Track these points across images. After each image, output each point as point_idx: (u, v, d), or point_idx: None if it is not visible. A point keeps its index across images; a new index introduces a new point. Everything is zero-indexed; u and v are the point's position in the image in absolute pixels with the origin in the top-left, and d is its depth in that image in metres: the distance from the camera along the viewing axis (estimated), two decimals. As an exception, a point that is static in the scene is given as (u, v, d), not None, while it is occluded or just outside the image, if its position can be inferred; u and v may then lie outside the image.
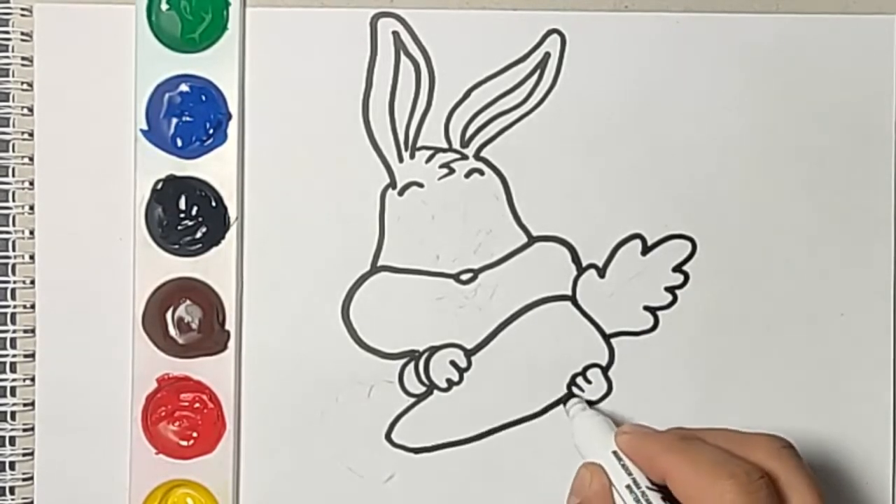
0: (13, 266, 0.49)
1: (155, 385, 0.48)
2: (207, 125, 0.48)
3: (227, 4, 0.48)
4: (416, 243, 0.49)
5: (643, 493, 0.42)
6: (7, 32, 0.49)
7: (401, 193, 0.49)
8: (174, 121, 0.48)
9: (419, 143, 0.49)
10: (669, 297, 0.49)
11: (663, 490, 0.42)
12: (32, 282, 0.49)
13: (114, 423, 0.49)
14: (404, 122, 0.49)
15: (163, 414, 0.49)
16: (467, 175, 0.49)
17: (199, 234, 0.48)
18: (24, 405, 0.49)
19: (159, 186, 0.48)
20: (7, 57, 0.49)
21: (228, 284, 0.49)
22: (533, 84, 0.49)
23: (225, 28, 0.48)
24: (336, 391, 0.49)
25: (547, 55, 0.49)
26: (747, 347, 0.49)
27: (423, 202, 0.49)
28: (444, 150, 0.49)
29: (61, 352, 0.49)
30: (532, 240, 0.49)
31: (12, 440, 0.49)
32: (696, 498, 0.40)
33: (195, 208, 0.48)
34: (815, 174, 0.49)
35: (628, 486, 0.43)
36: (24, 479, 0.49)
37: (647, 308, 0.49)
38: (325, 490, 0.49)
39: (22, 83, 0.49)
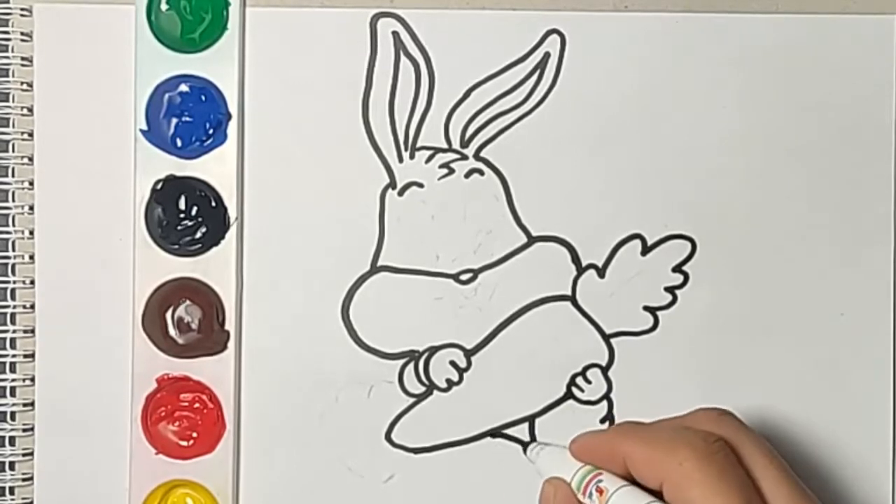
0: (13, 266, 0.49)
1: (155, 385, 0.49)
2: (207, 125, 0.48)
3: (227, 4, 0.48)
4: (416, 243, 0.49)
5: (611, 490, 0.41)
6: (7, 32, 0.49)
7: (401, 193, 0.49)
8: (174, 121, 0.48)
9: (419, 143, 0.49)
10: (669, 297, 0.49)
11: (630, 482, 0.42)
12: (32, 282, 0.49)
13: (114, 423, 0.49)
14: (404, 122, 0.49)
15: (163, 414, 0.49)
16: (467, 175, 0.49)
17: (198, 234, 0.48)
18: (24, 405, 0.49)
19: (159, 186, 0.48)
20: (7, 57, 0.49)
21: (228, 284, 0.49)
22: (533, 84, 0.49)
23: (225, 28, 0.48)
24: (336, 391, 0.49)
25: (547, 55, 0.49)
26: (747, 347, 0.49)
27: (423, 202, 0.49)
28: (443, 150, 0.49)
29: (61, 352, 0.49)
30: (532, 240, 0.49)
31: (12, 440, 0.49)
32: (657, 473, 0.40)
33: (195, 208, 0.48)
34: (815, 174, 0.49)
35: (597, 489, 0.42)
36: (23, 479, 0.49)
37: (647, 308, 0.49)
38: (325, 490, 0.49)
39: (22, 83, 0.49)
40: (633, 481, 0.41)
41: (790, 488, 0.40)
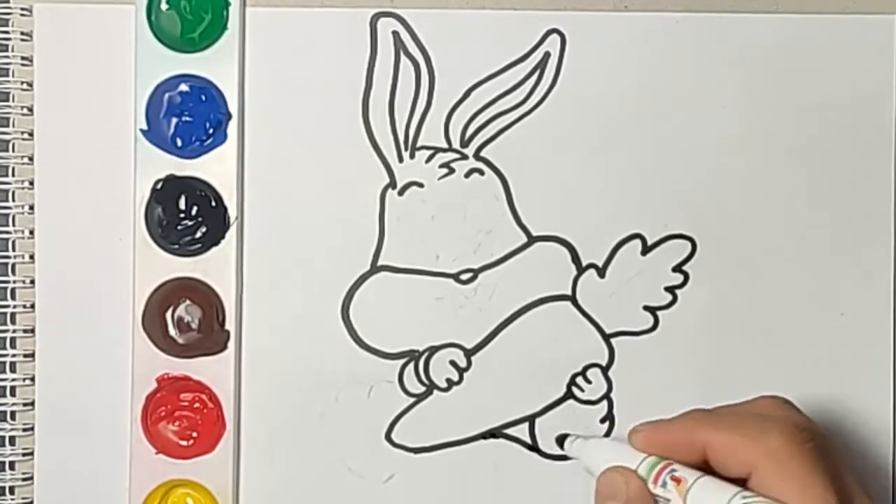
0: (13, 266, 0.49)
1: (155, 385, 0.48)
2: (207, 125, 0.48)
3: (227, 4, 0.48)
4: (416, 243, 0.49)
5: (691, 479, 0.40)
6: (7, 32, 0.49)
7: (401, 193, 0.49)
8: (174, 120, 0.48)
9: (419, 143, 0.49)
10: (669, 297, 0.49)
11: (702, 470, 0.40)
12: (32, 281, 0.49)
13: (114, 423, 0.49)
14: (404, 122, 0.49)
15: (163, 414, 0.49)
16: (467, 175, 0.49)
17: (198, 234, 0.48)
18: (24, 405, 0.49)
19: (159, 186, 0.48)
20: (7, 57, 0.49)
21: (228, 284, 0.49)
22: (533, 84, 0.49)
23: (225, 28, 0.48)
24: (336, 391, 0.49)
25: (547, 55, 0.49)
26: (747, 347, 0.49)
27: (423, 202, 0.49)
28: (443, 150, 0.49)
29: (61, 351, 0.49)
30: (532, 240, 0.49)
31: (12, 440, 0.49)
32: (746, 460, 0.39)
33: (195, 208, 0.48)
34: (815, 174, 0.49)
35: (673, 478, 0.40)
36: (23, 479, 0.49)
37: (647, 308, 0.49)
38: (325, 490, 0.49)
39: (22, 83, 0.49)
40: (706, 471, 0.40)
41: (862, 486, 0.39)
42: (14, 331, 0.49)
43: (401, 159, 0.49)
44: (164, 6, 0.48)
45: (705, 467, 0.40)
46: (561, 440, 0.48)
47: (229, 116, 0.48)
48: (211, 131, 0.48)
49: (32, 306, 0.49)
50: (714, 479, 0.39)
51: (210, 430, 0.49)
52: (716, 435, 0.40)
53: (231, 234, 0.49)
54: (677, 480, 0.40)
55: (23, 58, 0.49)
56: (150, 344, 0.48)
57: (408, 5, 0.49)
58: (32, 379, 0.49)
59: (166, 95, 0.48)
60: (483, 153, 0.49)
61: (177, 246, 0.49)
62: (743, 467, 0.39)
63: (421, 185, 0.49)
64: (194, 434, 0.49)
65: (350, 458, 0.49)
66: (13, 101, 0.49)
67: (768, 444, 0.38)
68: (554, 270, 0.49)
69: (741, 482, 0.39)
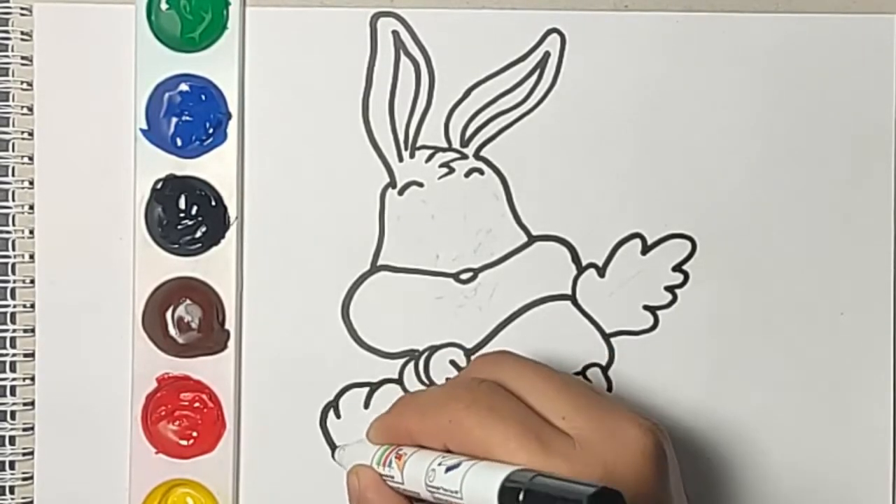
0: (13, 265, 0.49)
1: (155, 385, 0.48)
2: (207, 125, 0.48)
3: (227, 4, 0.48)
4: (416, 243, 0.49)
5: (409, 453, 0.41)
6: (7, 32, 0.49)
7: (401, 193, 0.49)
8: (174, 120, 0.48)
9: (419, 143, 0.49)
10: (669, 297, 0.49)
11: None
12: (32, 281, 0.49)
13: (114, 422, 0.49)
14: (404, 122, 0.49)
15: (163, 413, 0.49)
16: (467, 174, 0.49)
17: (198, 234, 0.48)
18: (24, 404, 0.49)
19: (159, 186, 0.48)
20: (7, 56, 0.49)
21: (228, 284, 0.49)
22: (533, 83, 0.49)
23: (225, 27, 0.48)
24: (336, 391, 0.49)
25: (547, 55, 0.49)
26: (747, 347, 0.49)
27: (423, 201, 0.49)
28: (443, 150, 0.49)
29: (61, 351, 0.49)
30: (532, 239, 0.49)
31: (12, 439, 0.49)
32: (438, 438, 0.39)
33: (195, 208, 0.48)
34: (815, 174, 0.49)
35: (396, 455, 0.41)
36: (23, 479, 0.49)
37: (646, 307, 0.49)
38: (325, 490, 0.49)
39: (22, 83, 0.49)
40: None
41: (568, 400, 0.39)
42: (14, 330, 0.49)
43: (401, 159, 0.49)
44: (164, 6, 0.48)
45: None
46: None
47: (229, 116, 0.48)
48: (211, 131, 0.48)
49: (32, 306, 0.49)
50: (427, 452, 0.40)
51: (210, 429, 0.49)
52: (411, 422, 0.41)
53: (231, 233, 0.49)
54: (399, 457, 0.41)
55: (23, 57, 0.49)
56: (150, 344, 0.48)
57: (408, 5, 0.49)
58: (32, 379, 0.49)
59: (166, 95, 0.48)
60: (483, 153, 0.49)
61: (177, 246, 0.49)
62: (440, 445, 0.39)
63: (421, 185, 0.49)
64: (194, 434, 0.49)
65: (350, 458, 0.49)
66: (13, 100, 0.49)
67: (446, 415, 0.39)
68: (554, 270, 0.49)
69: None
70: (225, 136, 0.49)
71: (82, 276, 0.49)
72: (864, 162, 0.49)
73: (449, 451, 0.39)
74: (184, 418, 0.49)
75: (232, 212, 0.49)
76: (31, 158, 0.49)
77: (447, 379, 0.46)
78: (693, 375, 0.49)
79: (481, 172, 0.49)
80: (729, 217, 0.49)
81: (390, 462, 0.41)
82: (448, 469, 0.38)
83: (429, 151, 0.49)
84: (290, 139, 0.49)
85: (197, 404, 0.49)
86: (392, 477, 0.41)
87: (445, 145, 0.49)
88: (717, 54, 0.49)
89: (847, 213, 0.49)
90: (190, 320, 0.49)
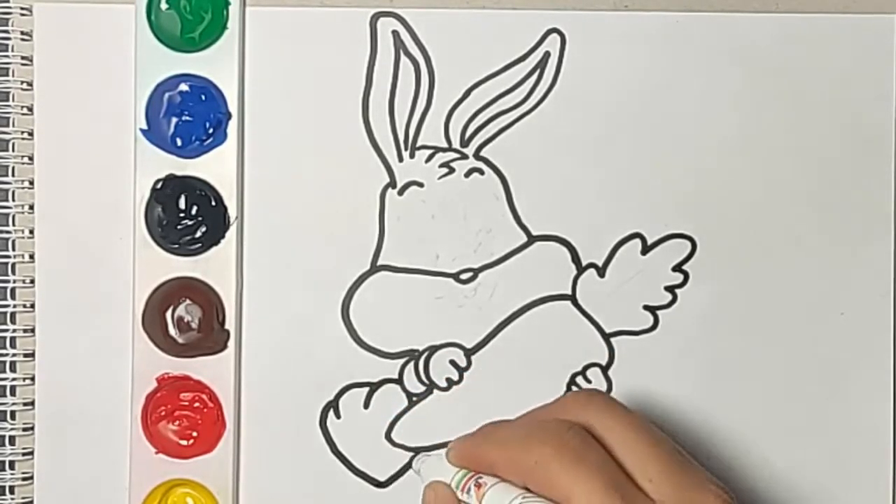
0: (13, 265, 0.49)
1: (155, 384, 0.48)
2: (207, 125, 0.48)
3: (227, 4, 0.48)
4: (416, 243, 0.49)
5: (489, 484, 0.41)
6: (7, 32, 0.49)
7: (401, 193, 0.49)
8: (174, 120, 0.48)
9: (419, 143, 0.49)
10: (669, 297, 0.49)
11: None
12: (32, 281, 0.49)
13: (114, 422, 0.49)
14: (404, 122, 0.49)
15: (163, 413, 0.49)
16: (467, 174, 0.49)
17: (198, 234, 0.48)
18: (24, 404, 0.49)
19: (159, 186, 0.48)
20: (7, 56, 0.49)
21: (228, 284, 0.49)
22: (533, 83, 0.49)
23: (225, 27, 0.48)
24: (336, 391, 0.49)
25: (547, 54, 0.49)
26: (747, 347, 0.49)
27: (423, 201, 0.49)
28: (443, 150, 0.49)
29: (61, 351, 0.49)
30: (532, 239, 0.49)
31: (12, 439, 0.49)
32: (519, 474, 0.39)
33: (195, 208, 0.48)
34: (815, 174, 0.49)
35: (476, 483, 0.41)
36: (23, 479, 0.49)
37: (646, 307, 0.49)
38: (325, 490, 0.49)
39: (22, 82, 0.49)
40: None
41: (656, 463, 0.39)
42: (14, 330, 0.49)
43: (401, 159, 0.49)
44: (164, 6, 0.48)
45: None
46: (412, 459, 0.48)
47: (229, 116, 0.48)
48: (211, 131, 0.48)
49: (32, 306, 0.49)
50: (509, 485, 0.40)
51: (210, 429, 0.49)
52: (494, 452, 0.41)
53: (231, 233, 0.49)
54: (479, 486, 0.41)
55: (23, 57, 0.49)
56: (150, 343, 0.48)
57: (408, 5, 0.49)
58: (32, 378, 0.49)
59: (166, 95, 0.48)
60: (483, 153, 0.49)
61: (177, 245, 0.49)
62: (521, 481, 0.40)
63: (421, 185, 0.49)
64: (194, 433, 0.49)
65: (350, 458, 0.49)
66: (13, 100, 0.49)
67: (531, 456, 0.39)
68: (554, 270, 0.49)
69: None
70: (225, 136, 0.49)
71: (82, 276, 0.49)
72: (864, 162, 0.49)
73: (528, 490, 0.39)
74: (184, 418, 0.49)
75: (232, 212, 0.49)
76: (31, 158, 0.49)
77: (532, 411, 0.44)
78: (693, 375, 0.49)
79: (481, 172, 0.49)
80: (729, 217, 0.49)
81: (469, 489, 0.41)
82: None
83: (429, 151, 0.49)
84: (290, 139, 0.49)
85: (197, 404, 0.49)
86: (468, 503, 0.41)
87: (445, 145, 0.49)
88: (717, 54, 0.49)
89: (847, 213, 0.49)
90: (190, 320, 0.49)
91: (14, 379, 0.49)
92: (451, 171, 0.49)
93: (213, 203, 0.48)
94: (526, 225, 0.49)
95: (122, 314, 0.49)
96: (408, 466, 0.49)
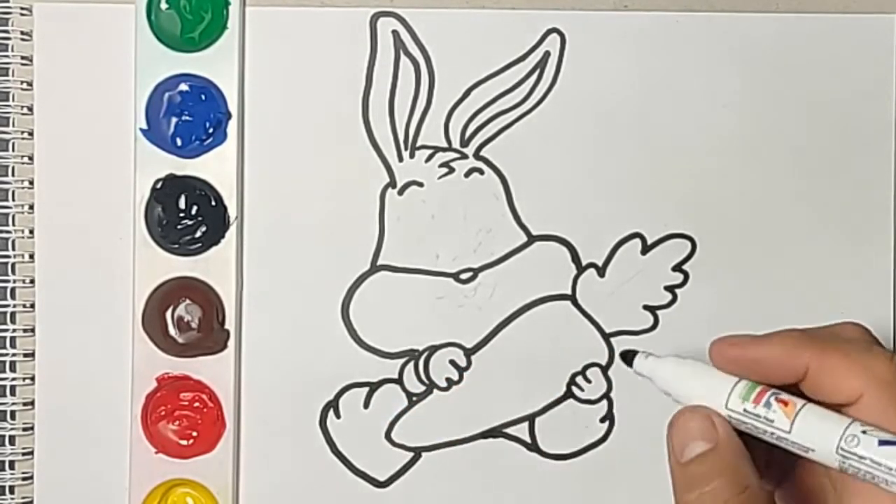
0: (13, 265, 0.49)
1: (155, 384, 0.48)
2: (207, 124, 0.48)
3: (227, 4, 0.48)
4: (416, 242, 0.49)
5: (799, 404, 0.37)
6: (7, 32, 0.49)
7: (400, 193, 0.49)
8: (174, 120, 0.48)
9: (419, 143, 0.49)
10: (669, 297, 0.49)
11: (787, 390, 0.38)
12: (32, 281, 0.49)
13: (114, 422, 0.49)
14: (404, 122, 0.49)
15: (162, 413, 0.49)
16: (467, 174, 0.49)
17: (198, 234, 0.48)
18: (24, 404, 0.49)
19: (159, 186, 0.48)
20: (7, 56, 0.49)
21: (228, 284, 0.49)
22: (532, 83, 0.49)
23: (225, 27, 0.48)
24: (336, 391, 0.49)
25: (546, 54, 0.49)
26: (747, 347, 0.49)
27: (423, 201, 0.49)
28: (443, 150, 0.49)
29: (61, 351, 0.49)
30: (532, 239, 0.49)
31: (12, 439, 0.49)
32: (855, 385, 0.36)
33: (195, 207, 0.48)
34: (815, 174, 0.49)
35: (778, 399, 0.37)
36: (23, 479, 0.49)
37: (646, 307, 0.49)
38: (325, 490, 0.49)
39: (22, 82, 0.49)
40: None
41: None
42: (14, 330, 0.49)
43: (401, 159, 0.49)
44: (164, 6, 0.48)
45: (796, 392, 0.37)
46: (626, 356, 0.42)
47: (229, 116, 0.48)
48: (211, 131, 0.48)
49: (32, 306, 0.49)
50: (821, 408, 0.37)
51: (210, 429, 0.49)
52: (821, 357, 0.37)
53: (231, 233, 0.49)
54: (784, 402, 0.37)
55: (23, 57, 0.49)
56: (150, 343, 0.48)
57: (408, 5, 0.49)
58: (32, 378, 0.49)
59: (166, 95, 0.48)
60: (483, 152, 0.49)
61: (177, 245, 0.49)
62: (846, 394, 0.36)
63: (421, 185, 0.49)
64: (194, 433, 0.49)
65: (350, 458, 0.49)
66: (13, 100, 0.49)
67: (876, 371, 0.36)
68: (554, 270, 0.49)
69: (836, 409, 0.37)
70: (225, 136, 0.49)
71: (82, 276, 0.49)
72: (864, 162, 0.49)
73: (839, 410, 0.36)
74: (184, 418, 0.49)
75: (232, 212, 0.49)
76: (31, 158, 0.49)
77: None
78: (693, 375, 0.49)
79: (481, 172, 0.49)
80: (729, 217, 0.49)
81: (768, 402, 0.37)
82: (883, 443, 0.35)
83: (429, 151, 0.49)
84: (290, 139, 0.49)
85: (197, 404, 0.49)
86: (759, 416, 0.37)
87: (445, 145, 0.49)
88: (716, 54, 0.49)
89: (847, 213, 0.49)
90: (190, 320, 0.49)
91: (14, 379, 0.49)
92: (451, 170, 0.49)
93: (213, 203, 0.48)
94: (526, 225, 0.49)
95: (122, 314, 0.49)
96: (408, 466, 0.49)
